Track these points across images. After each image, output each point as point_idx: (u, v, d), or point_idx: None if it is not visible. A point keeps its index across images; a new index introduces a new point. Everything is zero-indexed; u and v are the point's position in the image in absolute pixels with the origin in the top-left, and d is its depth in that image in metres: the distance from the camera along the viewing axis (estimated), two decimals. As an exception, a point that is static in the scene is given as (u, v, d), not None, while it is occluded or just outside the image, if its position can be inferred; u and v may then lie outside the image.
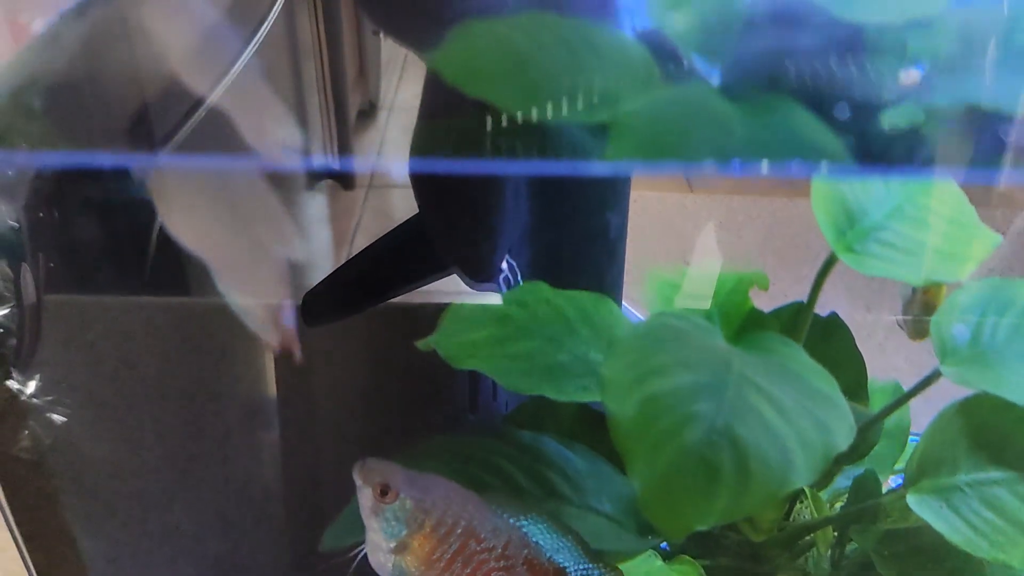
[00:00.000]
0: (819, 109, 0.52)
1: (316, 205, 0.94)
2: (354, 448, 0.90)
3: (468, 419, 0.84)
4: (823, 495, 0.75)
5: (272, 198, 0.68)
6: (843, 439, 0.53)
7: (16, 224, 0.61)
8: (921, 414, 0.72)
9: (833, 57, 0.53)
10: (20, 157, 0.60)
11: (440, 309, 0.68)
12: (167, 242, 0.65)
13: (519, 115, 0.50)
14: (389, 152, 1.09)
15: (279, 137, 0.68)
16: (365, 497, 0.52)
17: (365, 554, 0.54)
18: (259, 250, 0.69)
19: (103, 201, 0.67)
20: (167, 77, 0.63)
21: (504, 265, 0.83)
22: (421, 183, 0.76)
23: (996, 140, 0.54)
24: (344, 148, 1.03)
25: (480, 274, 0.78)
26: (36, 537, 0.69)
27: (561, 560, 0.52)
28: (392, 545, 0.51)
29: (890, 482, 0.80)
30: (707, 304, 0.72)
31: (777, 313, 0.72)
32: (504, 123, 0.54)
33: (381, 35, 0.93)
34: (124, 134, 0.64)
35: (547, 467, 0.69)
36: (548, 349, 0.67)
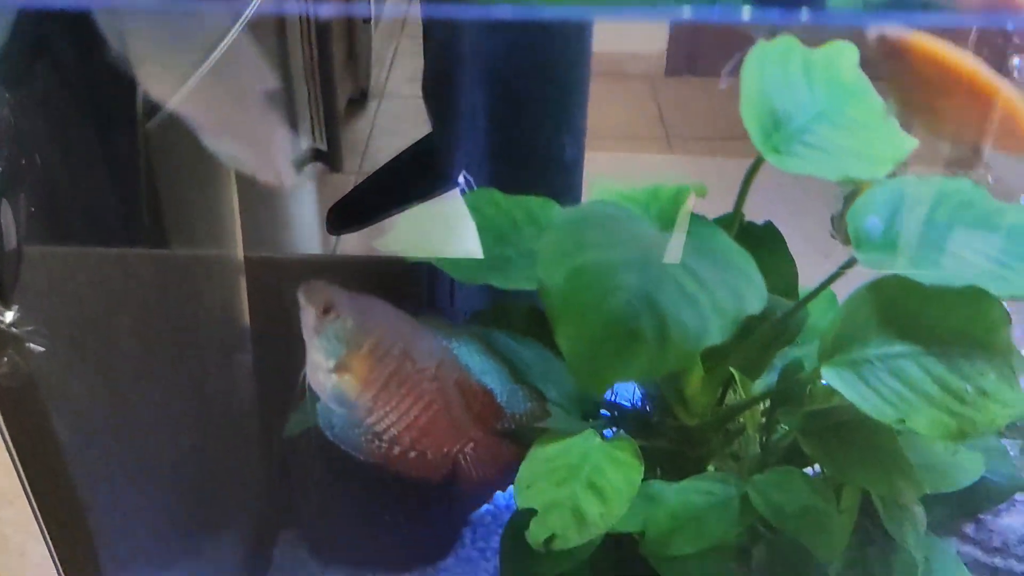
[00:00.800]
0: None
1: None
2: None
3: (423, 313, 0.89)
4: (759, 385, 0.81)
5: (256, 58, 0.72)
6: (754, 304, 0.58)
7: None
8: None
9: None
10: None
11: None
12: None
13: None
14: (380, 138, 1.14)
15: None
16: (308, 316, 0.56)
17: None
18: (244, 98, 0.72)
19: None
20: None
21: (461, 179, 0.89)
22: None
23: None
24: (332, 134, 1.07)
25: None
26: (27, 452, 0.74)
27: (489, 381, 0.57)
28: (332, 364, 0.55)
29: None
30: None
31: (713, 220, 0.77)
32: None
33: (372, 24, 0.98)
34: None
35: (498, 357, 0.74)
36: (496, 245, 0.72)
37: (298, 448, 0.83)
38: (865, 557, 0.75)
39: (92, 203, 0.71)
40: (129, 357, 0.73)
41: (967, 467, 0.76)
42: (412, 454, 0.60)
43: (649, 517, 0.71)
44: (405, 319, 0.58)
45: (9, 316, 0.74)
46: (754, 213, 0.83)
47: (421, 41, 0.89)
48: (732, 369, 0.75)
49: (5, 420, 0.69)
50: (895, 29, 0.68)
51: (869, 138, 0.72)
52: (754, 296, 0.59)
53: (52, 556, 0.66)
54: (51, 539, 0.65)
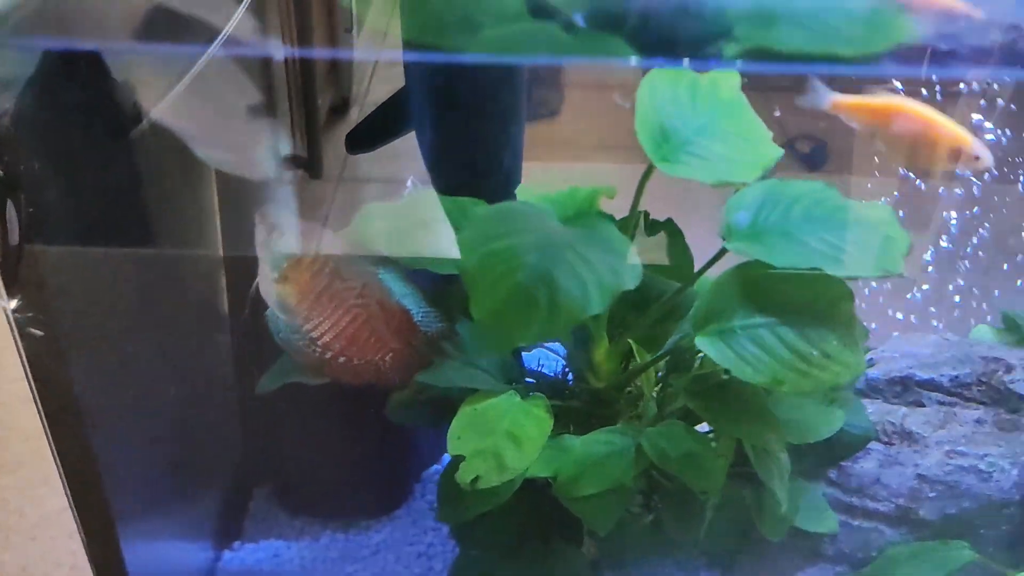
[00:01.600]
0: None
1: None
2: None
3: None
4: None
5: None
6: (630, 281, 0.73)
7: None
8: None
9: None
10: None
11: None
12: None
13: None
14: None
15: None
16: (260, 234, 0.71)
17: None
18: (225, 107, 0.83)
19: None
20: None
21: (409, 182, 1.03)
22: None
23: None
24: (313, 141, 1.19)
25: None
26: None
27: (407, 303, 0.72)
28: (275, 275, 0.70)
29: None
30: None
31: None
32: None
33: (354, 33, 1.10)
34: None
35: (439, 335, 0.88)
36: (432, 237, 0.87)
37: (268, 412, 0.97)
38: (741, 497, 0.89)
39: (91, 207, 0.83)
40: (126, 336, 0.86)
41: (829, 421, 0.91)
42: (341, 359, 0.75)
43: (560, 464, 0.86)
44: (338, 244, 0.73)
45: (13, 304, 0.87)
46: (670, 212, 0.98)
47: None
48: (631, 340, 0.89)
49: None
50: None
51: (741, 147, 0.87)
52: (630, 275, 0.74)
53: (70, 504, 0.79)
54: (70, 490, 0.77)
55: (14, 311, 0.87)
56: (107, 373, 0.77)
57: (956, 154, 0.84)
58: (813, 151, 1.57)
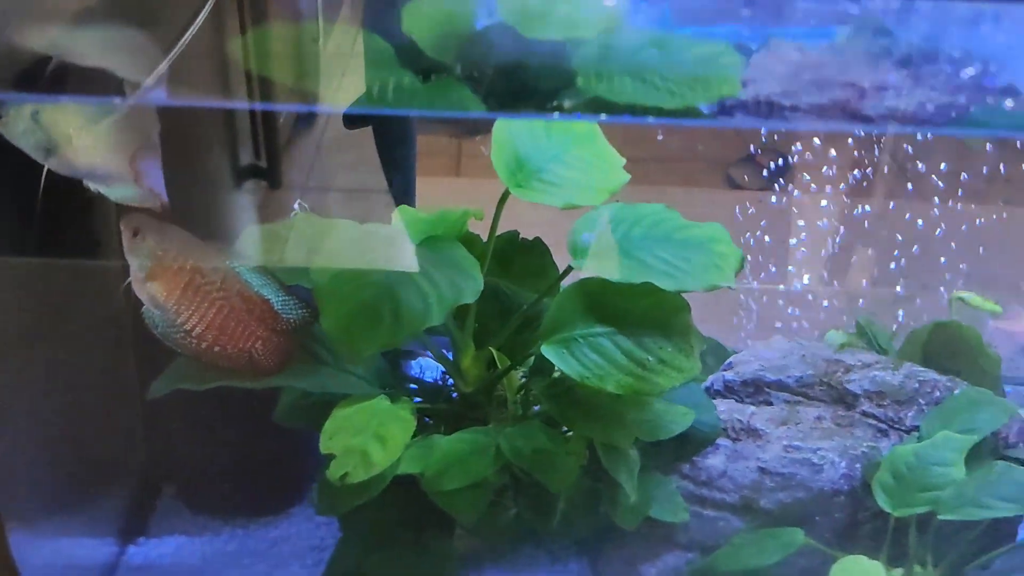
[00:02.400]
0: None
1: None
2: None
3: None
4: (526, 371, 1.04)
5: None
6: (469, 296, 0.82)
7: None
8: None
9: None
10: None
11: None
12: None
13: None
14: (327, 155, 1.33)
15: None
16: (125, 239, 0.79)
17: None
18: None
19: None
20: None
21: (296, 205, 1.12)
22: None
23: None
24: (272, 151, 1.24)
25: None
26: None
27: (265, 293, 0.81)
28: (143, 275, 0.79)
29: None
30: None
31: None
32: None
33: (320, 43, 1.17)
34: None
35: (315, 342, 0.96)
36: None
37: (169, 413, 1.05)
38: (595, 491, 0.98)
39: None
40: (21, 341, 0.92)
41: (678, 419, 1.00)
42: (216, 348, 0.84)
43: (427, 462, 0.94)
44: (196, 243, 0.81)
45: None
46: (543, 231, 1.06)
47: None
48: (492, 348, 0.98)
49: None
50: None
51: (591, 173, 0.96)
52: (470, 291, 0.82)
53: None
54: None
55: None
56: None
57: None
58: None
